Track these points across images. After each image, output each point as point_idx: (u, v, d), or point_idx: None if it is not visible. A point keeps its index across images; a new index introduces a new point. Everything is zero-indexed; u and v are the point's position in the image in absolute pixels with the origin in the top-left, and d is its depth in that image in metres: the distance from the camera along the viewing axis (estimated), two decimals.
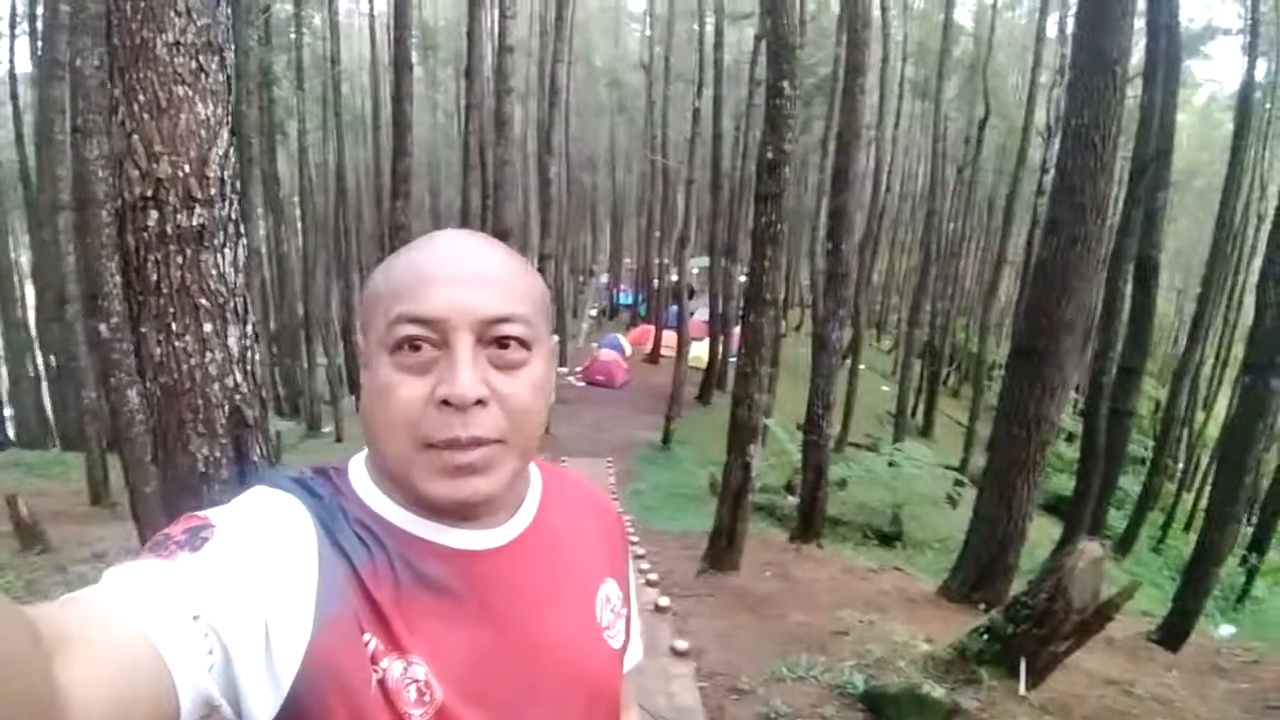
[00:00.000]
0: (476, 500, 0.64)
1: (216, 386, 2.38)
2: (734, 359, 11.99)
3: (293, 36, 19.89)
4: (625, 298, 35.60)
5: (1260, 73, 18.45)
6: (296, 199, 22.69)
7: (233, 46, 2.49)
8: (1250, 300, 20.41)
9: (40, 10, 14.77)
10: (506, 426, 0.64)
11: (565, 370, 22.89)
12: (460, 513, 0.66)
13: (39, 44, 15.35)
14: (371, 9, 24.91)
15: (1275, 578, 16.23)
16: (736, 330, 14.11)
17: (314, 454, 16.08)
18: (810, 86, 20.96)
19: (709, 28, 19.87)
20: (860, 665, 3.62)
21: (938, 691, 2.99)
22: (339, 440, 17.50)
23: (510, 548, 0.70)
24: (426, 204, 29.03)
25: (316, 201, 23.83)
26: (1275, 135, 20.44)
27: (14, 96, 19.58)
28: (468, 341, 0.62)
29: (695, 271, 28.44)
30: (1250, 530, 13.56)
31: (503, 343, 0.64)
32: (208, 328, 2.35)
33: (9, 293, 19.02)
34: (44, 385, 21.05)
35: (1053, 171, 6.45)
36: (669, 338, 22.28)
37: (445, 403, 0.61)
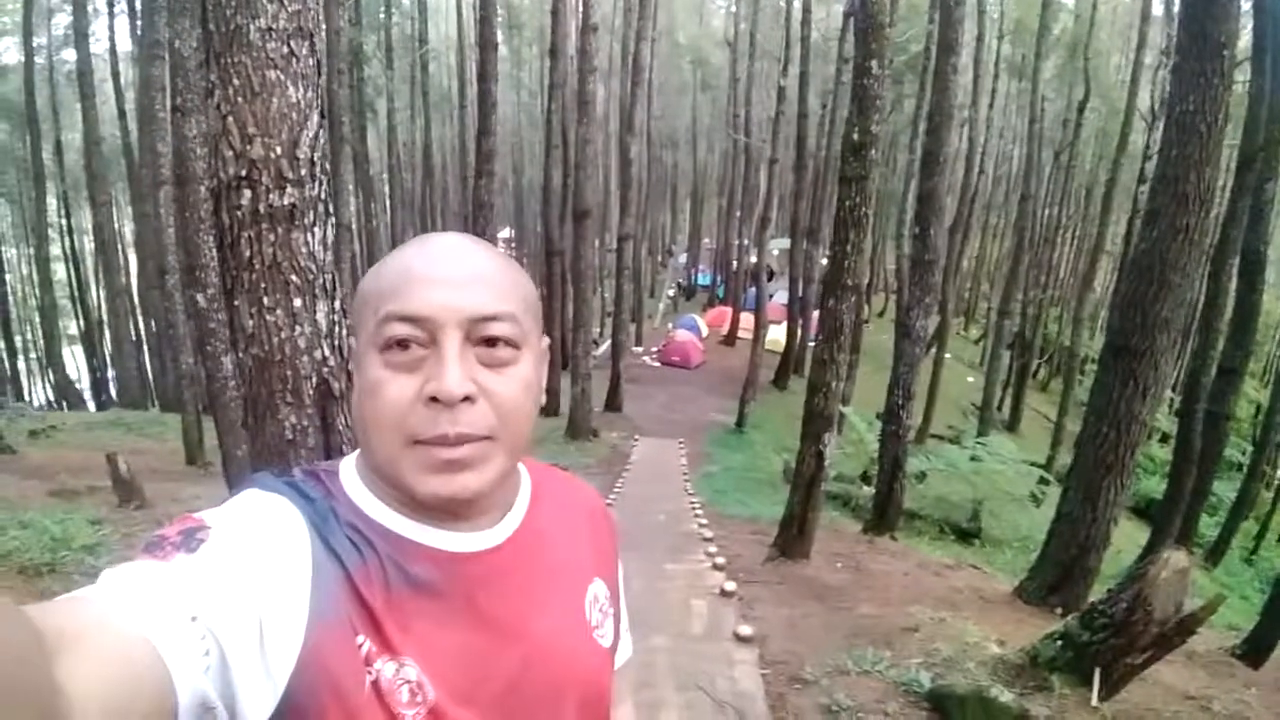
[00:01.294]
0: (465, 496, 0.64)
1: (305, 359, 2.49)
2: (813, 343, 11.82)
3: (382, 16, 20.39)
4: (703, 278, 35.37)
5: None
6: (385, 176, 23.36)
7: (323, 29, 2.57)
8: None
9: None
10: (495, 423, 0.64)
11: (640, 350, 23.00)
12: (449, 510, 0.67)
13: (138, 23, 16.15)
14: None
15: None
16: (816, 314, 13.88)
17: None
18: (901, 64, 20.26)
19: (796, 3, 19.41)
20: (927, 663, 3.54)
21: (1006, 696, 2.89)
22: None
23: (501, 549, 0.71)
24: (510, 183, 29.43)
25: (404, 179, 24.48)
26: None
27: (115, 74, 20.65)
28: (455, 339, 0.63)
29: (775, 253, 28.06)
30: None
31: (490, 341, 0.64)
32: (297, 303, 2.46)
33: (113, 261, 20.20)
34: (145, 350, 22.41)
35: (1155, 159, 6.10)
36: (746, 320, 22.10)
37: (433, 399, 0.62)
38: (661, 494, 8.84)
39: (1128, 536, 10.28)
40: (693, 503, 8.41)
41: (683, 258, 39.60)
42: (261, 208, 2.39)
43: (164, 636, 0.51)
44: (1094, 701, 2.99)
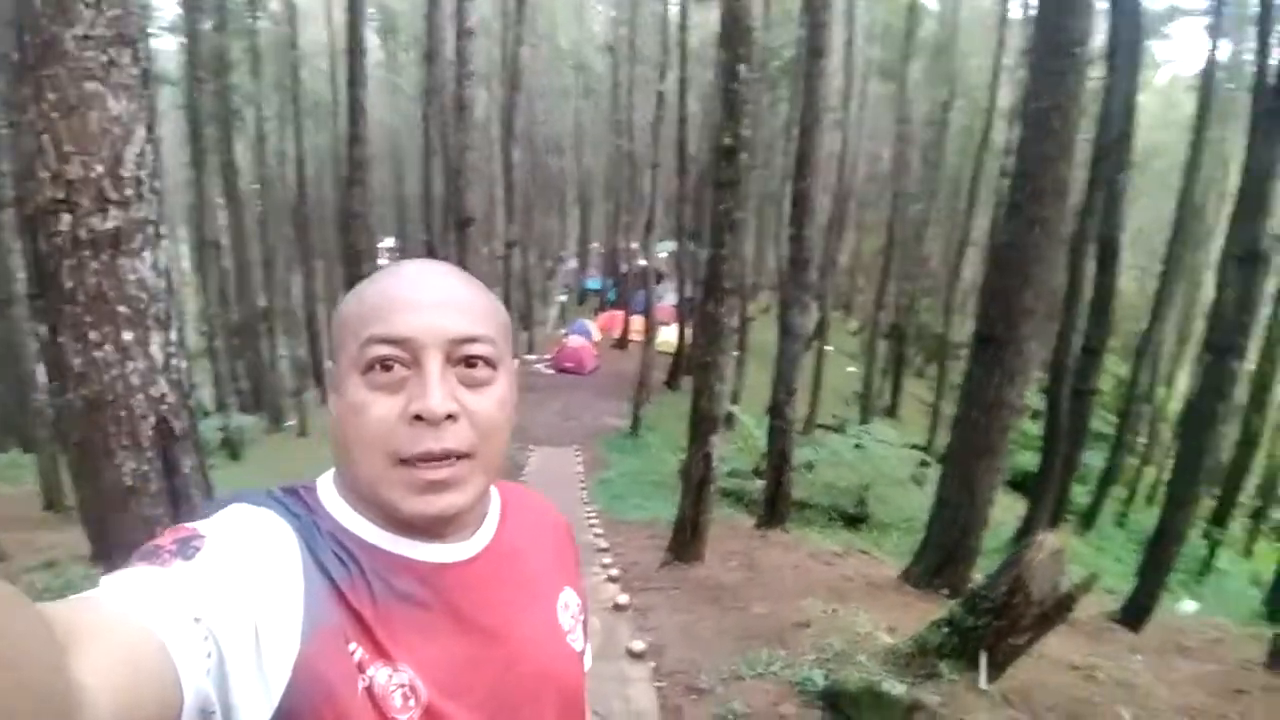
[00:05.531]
0: (449, 515, 0.67)
1: (140, 397, 2.27)
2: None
3: (249, 21, 19.34)
4: (593, 283, 35.31)
5: (1223, 53, 18.75)
6: (257, 187, 22.15)
7: (148, 37, 2.36)
8: (1210, 278, 20.86)
9: None
10: (476, 441, 0.67)
11: (534, 357, 22.74)
12: (431, 528, 0.69)
13: None
14: None
15: (1235, 550, 16.73)
16: None
17: (278, 449, 15.84)
18: (776, 70, 20.88)
19: (673, 9, 19.67)
20: (820, 660, 3.60)
21: (897, 689, 2.97)
22: (303, 434, 17.21)
23: (477, 560, 0.73)
24: (390, 191, 28.49)
25: (276, 190, 23.30)
26: (1236, 115, 20.73)
27: None
28: (437, 360, 0.66)
29: (663, 256, 28.37)
30: (1212, 504, 13.93)
31: (470, 362, 0.68)
32: (128, 336, 2.23)
33: None
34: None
35: (1015, 154, 6.46)
36: (637, 323, 22.22)
37: (418, 418, 0.64)
38: (558, 505, 8.66)
39: (1006, 509, 10.90)
40: (589, 512, 8.35)
41: (572, 263, 39.48)
42: (82, 233, 2.16)
43: (171, 635, 0.52)
44: (983, 684, 3.11)
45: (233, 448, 14.50)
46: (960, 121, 24.26)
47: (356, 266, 7.69)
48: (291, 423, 18.33)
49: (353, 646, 0.62)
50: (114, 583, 0.56)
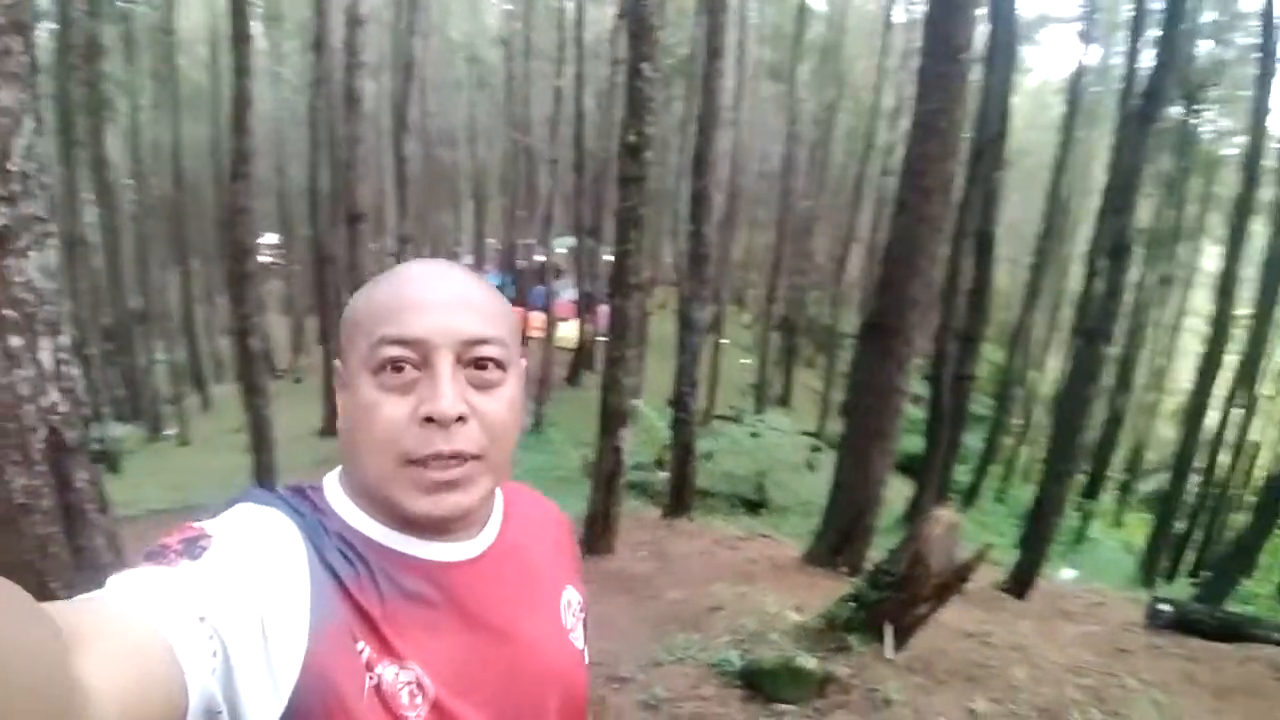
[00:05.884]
0: (456, 515, 0.68)
1: (29, 408, 2.13)
2: (602, 338, 12.04)
3: (123, 5, 17.98)
4: (490, 279, 34.74)
5: (1091, 59, 20.32)
6: (130, 182, 20.61)
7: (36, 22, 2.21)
8: (1076, 269, 22.56)
9: None
10: (485, 442, 0.67)
11: None
12: (438, 527, 0.69)
13: None
14: None
15: (1107, 520, 18.27)
16: (602, 309, 14.13)
17: (159, 460, 14.90)
18: (670, 68, 21.12)
19: (570, 4, 19.60)
20: (735, 641, 3.74)
21: (811, 662, 3.13)
22: (184, 444, 16.21)
23: (482, 559, 0.74)
24: (273, 185, 27.09)
25: (152, 184, 21.78)
26: (1103, 116, 22.51)
27: None
28: (448, 361, 0.66)
29: (562, 252, 28.25)
30: (1084, 478, 15.16)
31: (480, 363, 0.68)
32: (15, 342, 2.09)
33: None
34: None
35: (901, 154, 6.81)
36: (536, 319, 22.08)
37: (428, 419, 0.65)
38: None
39: (895, 490, 11.47)
40: None
41: (468, 259, 38.76)
42: None
43: (177, 634, 0.52)
44: (889, 654, 3.31)
45: (110, 460, 13.49)
46: (847, 122, 25.24)
47: (242, 264, 7.32)
48: (172, 431, 17.22)
49: (360, 644, 0.62)
50: (120, 582, 0.56)
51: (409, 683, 0.63)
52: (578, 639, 0.82)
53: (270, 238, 28.28)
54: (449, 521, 0.68)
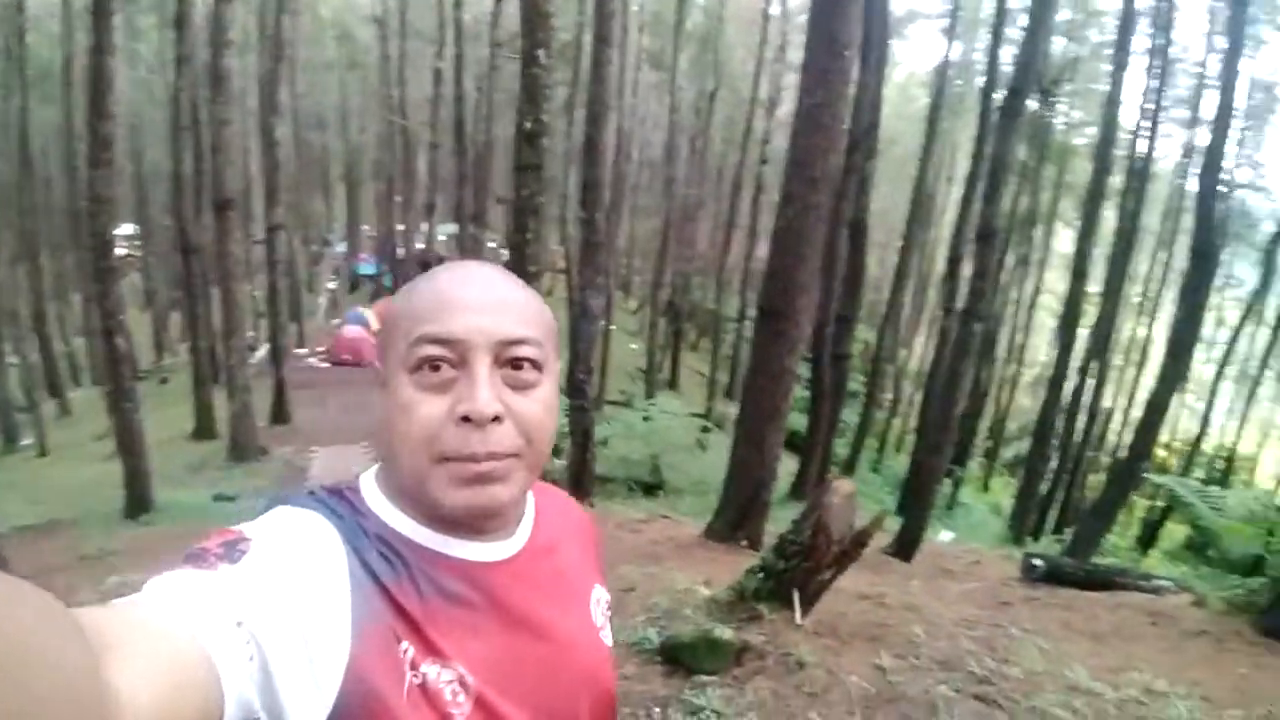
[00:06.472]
0: (493, 508, 0.68)
1: None
2: None
3: None
4: (366, 268, 33.33)
5: (955, 53, 21.60)
6: None
7: None
8: (940, 253, 24.11)
9: None
10: (521, 442, 0.68)
11: (305, 351, 21.24)
12: (474, 523, 0.70)
13: None
14: None
15: (975, 485, 19.73)
16: None
17: (15, 472, 13.61)
18: (554, 53, 20.93)
19: None
20: (651, 619, 3.82)
21: (727, 633, 3.25)
22: (43, 454, 14.83)
23: (518, 558, 0.75)
24: (128, 171, 24.97)
25: None
26: (965, 109, 24.00)
27: None
28: (486, 362, 0.67)
29: (443, 238, 27.56)
30: (952, 447, 16.32)
31: (517, 364, 0.68)
32: None
33: None
34: None
35: (777, 144, 7.07)
36: None
37: (465, 419, 0.65)
38: None
39: (781, 466, 11.97)
40: None
41: (341, 246, 37.14)
42: None
43: (212, 639, 0.52)
44: (798, 620, 3.48)
45: None
46: (725, 111, 25.82)
47: (105, 258, 6.74)
48: (28, 441, 15.73)
49: (404, 645, 0.63)
50: (157, 586, 0.55)
51: (452, 681, 0.64)
52: (607, 637, 0.84)
53: (127, 228, 26.14)
54: (485, 516, 0.69)
